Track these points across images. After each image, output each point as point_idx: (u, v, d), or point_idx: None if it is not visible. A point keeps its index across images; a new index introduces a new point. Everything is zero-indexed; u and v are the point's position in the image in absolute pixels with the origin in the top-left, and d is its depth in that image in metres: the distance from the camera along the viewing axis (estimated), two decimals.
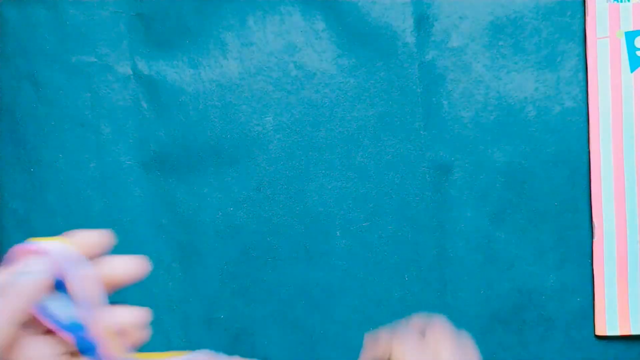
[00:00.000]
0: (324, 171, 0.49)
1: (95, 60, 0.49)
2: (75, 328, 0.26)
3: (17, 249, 0.26)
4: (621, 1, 0.47)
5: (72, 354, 0.26)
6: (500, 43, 0.48)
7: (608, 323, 0.47)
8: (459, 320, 0.48)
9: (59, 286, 0.26)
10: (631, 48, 0.47)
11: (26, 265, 0.25)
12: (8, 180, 0.49)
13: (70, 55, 0.49)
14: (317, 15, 0.48)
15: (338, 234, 0.49)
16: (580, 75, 0.48)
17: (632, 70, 0.47)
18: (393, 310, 0.49)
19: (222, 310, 0.49)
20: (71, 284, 0.26)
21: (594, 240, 0.48)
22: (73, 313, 0.26)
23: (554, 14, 0.48)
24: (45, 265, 0.25)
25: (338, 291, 0.49)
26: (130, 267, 0.29)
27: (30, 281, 0.25)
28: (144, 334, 0.28)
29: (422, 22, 0.48)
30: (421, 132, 0.48)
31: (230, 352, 0.49)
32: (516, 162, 0.48)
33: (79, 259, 0.26)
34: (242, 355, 0.49)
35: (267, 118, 0.49)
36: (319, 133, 0.49)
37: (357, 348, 0.49)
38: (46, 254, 0.26)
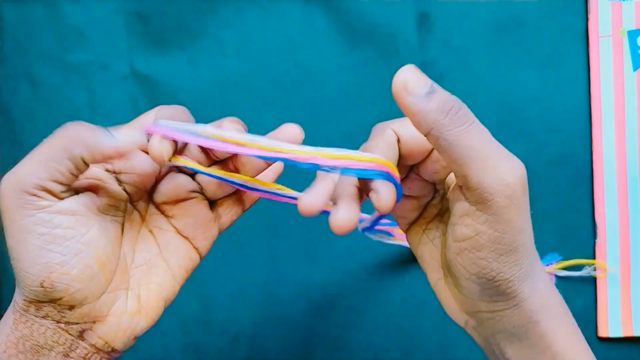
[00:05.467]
0: None
1: (93, 58, 0.48)
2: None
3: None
4: (624, 0, 0.47)
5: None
6: (502, 42, 0.48)
7: (610, 325, 0.47)
8: None
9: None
10: (634, 46, 0.47)
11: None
12: None
13: (67, 54, 0.48)
14: (317, 13, 0.48)
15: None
16: (583, 74, 0.48)
17: (634, 69, 0.47)
18: (394, 312, 0.48)
19: (220, 312, 0.49)
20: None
21: (596, 240, 0.47)
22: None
23: (557, 13, 0.48)
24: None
25: (338, 292, 0.49)
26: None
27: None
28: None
29: (424, 20, 0.48)
30: None
31: (229, 354, 0.49)
32: None
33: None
34: (241, 359, 0.49)
35: (267, 117, 0.48)
36: (319, 132, 0.48)
37: (357, 350, 0.49)
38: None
